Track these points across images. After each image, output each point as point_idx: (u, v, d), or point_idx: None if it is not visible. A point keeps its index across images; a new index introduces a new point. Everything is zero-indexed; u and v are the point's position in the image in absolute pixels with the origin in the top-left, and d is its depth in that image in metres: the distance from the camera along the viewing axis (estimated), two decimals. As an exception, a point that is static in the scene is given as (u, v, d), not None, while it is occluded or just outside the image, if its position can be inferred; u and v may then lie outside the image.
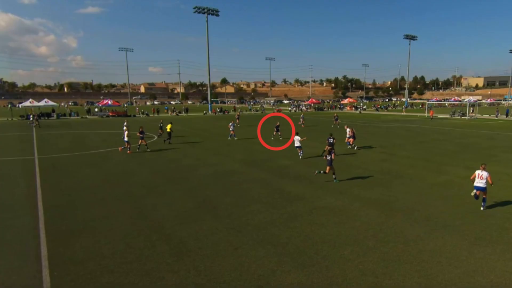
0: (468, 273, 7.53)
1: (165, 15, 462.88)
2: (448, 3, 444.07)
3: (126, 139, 23.24)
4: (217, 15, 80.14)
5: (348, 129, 25.80)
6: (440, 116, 56.52)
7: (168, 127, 28.54)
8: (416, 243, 8.91)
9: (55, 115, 61.81)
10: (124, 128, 28.37)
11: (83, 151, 24.17)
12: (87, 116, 64.12)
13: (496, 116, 57.48)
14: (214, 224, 10.27)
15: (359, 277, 7.35)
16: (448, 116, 58.45)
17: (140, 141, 23.96)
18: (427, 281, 7.19)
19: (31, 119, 45.98)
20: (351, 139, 24.90)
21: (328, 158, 15.03)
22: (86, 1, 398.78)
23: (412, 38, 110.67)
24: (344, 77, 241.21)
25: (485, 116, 59.00)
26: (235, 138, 29.81)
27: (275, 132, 30.67)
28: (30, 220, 10.74)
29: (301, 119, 43.21)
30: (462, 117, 56.36)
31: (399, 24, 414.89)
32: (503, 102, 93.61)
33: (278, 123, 31.85)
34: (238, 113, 45.33)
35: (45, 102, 61.54)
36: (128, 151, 23.15)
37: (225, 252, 8.49)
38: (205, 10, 78.33)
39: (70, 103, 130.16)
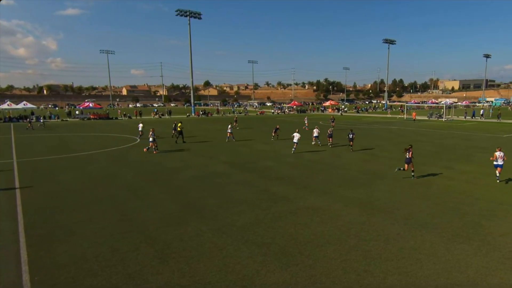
0: (447, 269, 7.74)
1: (147, 17, 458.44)
2: (424, 9, 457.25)
3: (151, 139, 23.72)
4: (200, 18, 79.82)
5: (315, 130, 27.00)
6: (418, 118, 57.83)
7: (179, 125, 29.30)
8: (396, 241, 9.10)
9: (34, 118, 60.19)
10: (140, 128, 32.33)
11: (64, 154, 23.68)
12: (68, 119, 62.69)
13: (465, 118, 59.72)
14: (198, 226, 10.23)
15: (342, 275, 7.45)
16: (426, 118, 59.87)
17: (150, 143, 24.00)
18: (408, 278, 7.36)
19: (33, 121, 50.09)
20: (330, 139, 26.34)
21: (407, 156, 15.41)
22: (65, 2, 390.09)
23: (391, 42, 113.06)
24: (326, 80, 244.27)
25: (461, 117, 60.77)
26: (234, 140, 29.80)
27: (273, 133, 31.18)
28: (9, 224, 10.44)
29: (306, 122, 43.38)
30: (439, 119, 57.85)
31: (378, 28, 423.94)
32: (477, 104, 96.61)
33: (278, 126, 32.41)
34: (236, 116, 45.32)
35: (24, 104, 59.95)
36: (154, 151, 23.56)
37: (210, 254, 8.47)
38: (188, 13, 77.93)
39: (50, 106, 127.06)
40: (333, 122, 42.34)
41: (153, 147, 23.76)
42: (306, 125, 42.70)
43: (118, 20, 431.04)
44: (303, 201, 12.45)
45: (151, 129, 24.42)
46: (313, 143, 26.05)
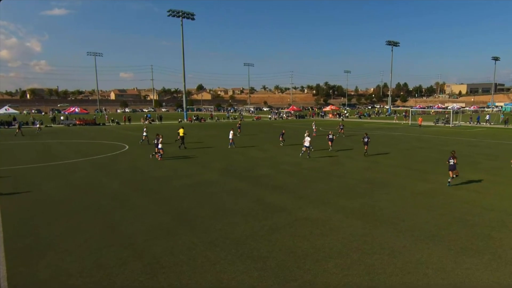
0: (456, 284, 7.68)
1: (138, 18, 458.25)
2: (429, 9, 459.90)
3: (160, 146, 24.16)
4: (193, 19, 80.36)
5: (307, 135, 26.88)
6: (424, 123, 58.16)
7: (181, 131, 30.03)
8: (401, 255, 9.05)
9: (16, 124, 59.84)
10: (144, 133, 33.37)
11: (48, 162, 23.54)
12: (52, 125, 62.40)
13: (470, 123, 60.13)
14: (190, 238, 10.13)
15: (344, 291, 7.37)
16: (432, 124, 60.25)
17: (160, 150, 24.42)
18: (414, 294, 7.30)
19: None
20: (330, 142, 28.07)
21: (451, 162, 15.72)
22: (51, 2, 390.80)
23: (395, 44, 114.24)
24: (326, 83, 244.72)
25: (468, 123, 61.19)
26: (234, 147, 30.07)
27: (280, 138, 31.82)
28: (-14, 238, 10.28)
29: (314, 128, 43.57)
30: (446, 125, 58.25)
31: (381, 29, 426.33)
32: (486, 109, 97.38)
33: (283, 131, 33.14)
34: (239, 122, 45.45)
35: (5, 109, 59.64)
36: (159, 158, 24.01)
37: (202, 268, 8.37)
38: (180, 13, 78.41)
39: (33, 111, 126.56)
40: (342, 129, 42.13)
41: (160, 153, 24.21)
42: (314, 130, 42.91)
43: (107, 20, 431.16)
44: (302, 212, 12.39)
45: (160, 136, 24.79)
46: (301, 154, 24.75)
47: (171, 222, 11.52)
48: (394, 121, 69.70)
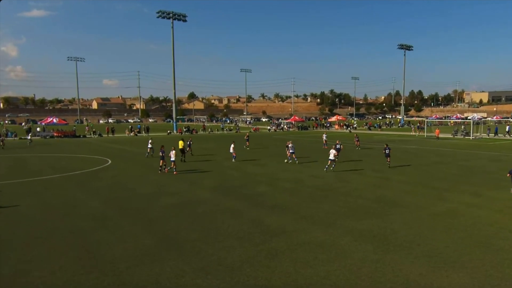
0: (478, 317, 7.54)
1: (124, 20, 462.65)
2: (445, 9, 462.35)
3: (173, 158, 24.92)
4: (184, 21, 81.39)
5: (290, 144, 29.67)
6: (441, 135, 58.34)
7: (180, 143, 31.05)
8: (418, 284, 8.91)
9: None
10: (149, 145, 34.45)
11: (20, 178, 23.50)
12: (28, 137, 62.26)
13: (488, 135, 60.26)
14: (178, 264, 10.00)
15: (352, 326, 7.23)
16: (450, 136, 60.38)
17: (160, 161, 25.44)
18: (432, 328, 7.15)
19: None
20: (293, 154, 29.59)
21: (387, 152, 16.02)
22: (30, 3, 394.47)
23: (408, 48, 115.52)
24: (332, 91, 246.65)
25: (492, 135, 61.21)
26: (233, 160, 30.58)
27: (288, 153, 31.46)
28: None
29: (324, 139, 44.00)
30: (466, 137, 58.38)
31: (392, 31, 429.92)
32: (510, 119, 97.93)
33: (289, 143, 33.09)
34: (247, 134, 45.86)
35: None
36: (174, 172, 24.69)
37: (191, 299, 8.21)
38: (171, 14, 79.37)
39: (6, 122, 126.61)
40: (357, 141, 42.22)
41: (174, 167, 25.01)
42: (324, 142, 43.24)
43: (90, 22, 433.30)
44: (304, 235, 12.28)
45: (173, 148, 25.60)
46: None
47: (157, 245, 11.41)
48: (412, 133, 69.29)
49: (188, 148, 35.05)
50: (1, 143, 45.02)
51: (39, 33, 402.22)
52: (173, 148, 25.72)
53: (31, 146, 45.84)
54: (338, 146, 29.64)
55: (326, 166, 25.41)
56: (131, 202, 16.99)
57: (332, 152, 25.41)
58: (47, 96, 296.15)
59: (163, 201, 17.18)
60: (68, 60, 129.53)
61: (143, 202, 16.93)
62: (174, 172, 24.69)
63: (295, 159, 29.16)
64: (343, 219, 13.99)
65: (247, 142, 42.64)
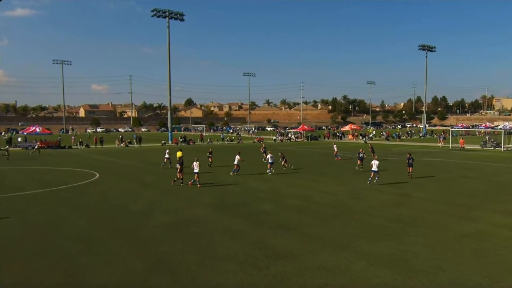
0: None
1: (116, 20, 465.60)
2: (471, 8, 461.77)
3: (196, 170, 25.50)
4: (182, 20, 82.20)
5: (269, 155, 31.72)
6: (468, 146, 58.04)
7: (178, 155, 31.76)
8: (441, 314, 8.79)
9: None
10: (166, 155, 36.68)
11: (0, 194, 23.61)
12: (8, 148, 62.57)
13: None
14: (171, 292, 9.94)
15: None
16: (478, 147, 59.99)
17: (178, 173, 26.25)
18: None
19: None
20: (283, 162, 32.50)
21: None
22: (14, 1, 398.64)
23: (430, 49, 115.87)
24: (345, 97, 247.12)
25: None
26: (233, 173, 30.99)
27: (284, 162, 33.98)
28: None
29: (335, 149, 44.75)
30: (496, 148, 57.99)
31: (412, 31, 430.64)
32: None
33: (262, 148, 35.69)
34: (263, 146, 46.09)
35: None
36: (198, 185, 25.41)
37: (186, 331, 8.14)
38: (167, 13, 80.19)
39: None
40: (373, 153, 42.03)
41: (197, 180, 25.65)
42: (336, 153, 44.18)
43: (78, 22, 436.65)
44: (313, 258, 12.21)
45: (196, 159, 26.03)
46: (369, 182, 25.96)
47: (149, 270, 11.39)
48: (439, 145, 68.34)
49: (209, 159, 37.33)
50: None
51: (23, 34, 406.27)
52: (196, 159, 26.04)
53: (11, 159, 46.07)
54: (361, 155, 32.75)
55: (370, 179, 25.94)
56: (120, 221, 17.00)
57: (375, 163, 26.05)
58: (30, 103, 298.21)
59: (156, 219, 17.16)
60: (54, 63, 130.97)
61: (134, 221, 16.92)
62: (198, 185, 25.37)
63: (271, 169, 31.42)
64: (357, 241, 13.88)
65: (264, 154, 42.39)
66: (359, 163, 32.99)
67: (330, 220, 16.86)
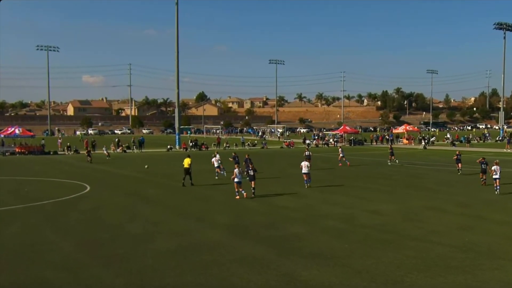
0: None
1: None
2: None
3: (237, 179, 26.76)
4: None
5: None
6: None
7: (186, 162, 32.67)
8: None
9: None
10: (213, 160, 37.63)
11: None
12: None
13: None
14: (176, 336, 9.94)
15: None
16: None
17: (236, 184, 27.10)
18: None
19: None
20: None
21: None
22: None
23: (508, 27, 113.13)
24: (398, 90, 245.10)
25: None
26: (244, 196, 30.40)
27: None
28: None
29: (340, 154, 46.06)
30: None
31: (486, 4, 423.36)
32: None
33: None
34: (308, 149, 47.20)
35: None
36: (245, 195, 26.85)
37: None
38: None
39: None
40: (459, 161, 40.90)
41: (241, 190, 26.98)
42: (340, 159, 46.87)
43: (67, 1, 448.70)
44: (358, 297, 12.05)
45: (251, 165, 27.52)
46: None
47: (148, 308, 11.40)
48: (506, 150, 67.36)
49: (250, 166, 36.45)
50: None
51: (2, 16, 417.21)
52: (237, 166, 27.20)
53: None
54: (459, 157, 37.91)
55: (496, 187, 28.04)
56: (114, 245, 17.06)
57: (499, 169, 27.95)
58: (8, 98, 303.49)
59: (159, 244, 17.19)
60: (38, 49, 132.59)
61: (131, 246, 16.96)
62: (252, 196, 26.81)
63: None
64: (414, 275, 13.65)
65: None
66: (459, 166, 37.59)
67: (379, 248, 16.63)
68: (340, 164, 47.08)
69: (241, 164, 32.58)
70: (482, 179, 31.74)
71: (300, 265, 14.58)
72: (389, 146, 58.63)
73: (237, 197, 27.00)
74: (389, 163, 48.11)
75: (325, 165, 48.27)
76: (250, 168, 28.73)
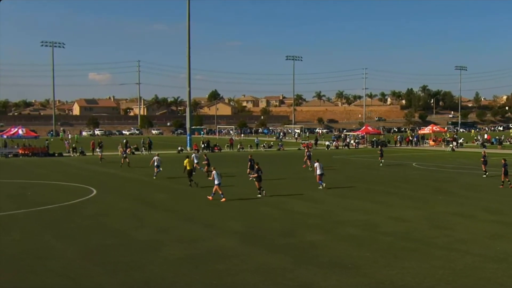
0: None
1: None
2: None
3: (217, 182, 27.05)
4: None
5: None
6: None
7: (186, 162, 33.69)
8: None
9: None
10: (154, 158, 39.30)
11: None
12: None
13: None
14: None
15: None
16: None
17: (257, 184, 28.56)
18: None
19: None
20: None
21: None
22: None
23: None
24: (424, 88, 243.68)
25: None
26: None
27: None
28: None
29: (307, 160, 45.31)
30: None
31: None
32: None
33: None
34: (307, 150, 47.76)
35: None
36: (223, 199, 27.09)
37: None
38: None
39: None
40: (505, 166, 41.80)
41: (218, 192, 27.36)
42: (307, 164, 45.66)
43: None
44: (380, 310, 11.92)
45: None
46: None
47: (155, 321, 11.37)
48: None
49: (257, 167, 36.70)
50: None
51: (3, 12, 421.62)
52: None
53: None
54: (485, 158, 38.57)
55: None
56: (121, 253, 17.06)
57: None
58: (11, 97, 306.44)
59: (167, 252, 17.18)
60: (42, 45, 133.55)
61: (139, 253, 16.97)
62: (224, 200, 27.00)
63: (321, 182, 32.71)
64: (441, 287, 13.51)
65: (308, 161, 43.26)
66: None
67: (403, 257, 16.51)
68: (304, 166, 47.07)
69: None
70: (508, 182, 32.37)
71: (318, 275, 14.51)
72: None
73: (210, 197, 27.63)
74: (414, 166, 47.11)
75: (345, 167, 48.04)
76: (257, 168, 29.54)
